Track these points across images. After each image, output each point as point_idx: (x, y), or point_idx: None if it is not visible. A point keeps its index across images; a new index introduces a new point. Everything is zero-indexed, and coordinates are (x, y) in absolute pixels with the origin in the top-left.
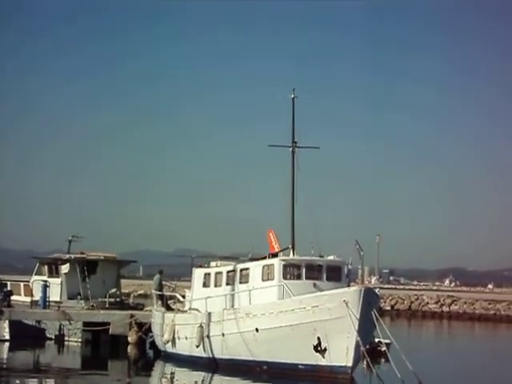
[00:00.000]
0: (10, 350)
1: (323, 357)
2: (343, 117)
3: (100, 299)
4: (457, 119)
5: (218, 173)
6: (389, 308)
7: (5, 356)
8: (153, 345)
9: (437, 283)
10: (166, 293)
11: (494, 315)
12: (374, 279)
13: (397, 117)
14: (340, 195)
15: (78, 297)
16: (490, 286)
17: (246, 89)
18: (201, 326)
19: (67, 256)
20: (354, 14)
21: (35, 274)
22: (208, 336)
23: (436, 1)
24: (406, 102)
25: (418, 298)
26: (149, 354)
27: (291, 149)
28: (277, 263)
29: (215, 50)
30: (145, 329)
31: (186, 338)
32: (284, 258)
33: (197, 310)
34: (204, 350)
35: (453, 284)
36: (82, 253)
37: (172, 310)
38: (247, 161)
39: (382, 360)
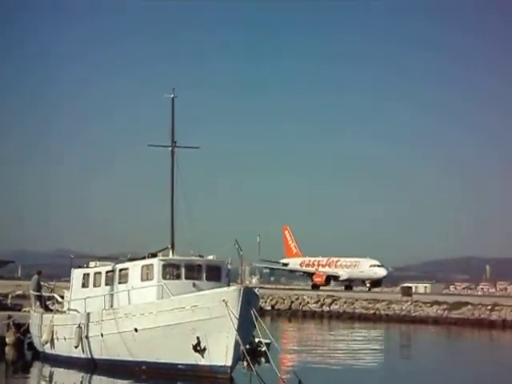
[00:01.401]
0: None
1: (203, 356)
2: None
3: None
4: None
5: (98, 173)
6: (269, 308)
7: None
8: (31, 346)
9: None
10: (45, 293)
11: (374, 315)
12: (254, 279)
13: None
14: (223, 194)
15: None
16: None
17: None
18: (79, 327)
19: None
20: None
21: None
22: (87, 336)
23: None
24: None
25: (298, 298)
26: (27, 356)
27: (171, 148)
28: (156, 263)
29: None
30: (23, 330)
31: (65, 339)
32: (163, 257)
33: (76, 310)
34: (83, 351)
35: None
36: None
37: (51, 310)
38: (129, 161)
39: (263, 359)
